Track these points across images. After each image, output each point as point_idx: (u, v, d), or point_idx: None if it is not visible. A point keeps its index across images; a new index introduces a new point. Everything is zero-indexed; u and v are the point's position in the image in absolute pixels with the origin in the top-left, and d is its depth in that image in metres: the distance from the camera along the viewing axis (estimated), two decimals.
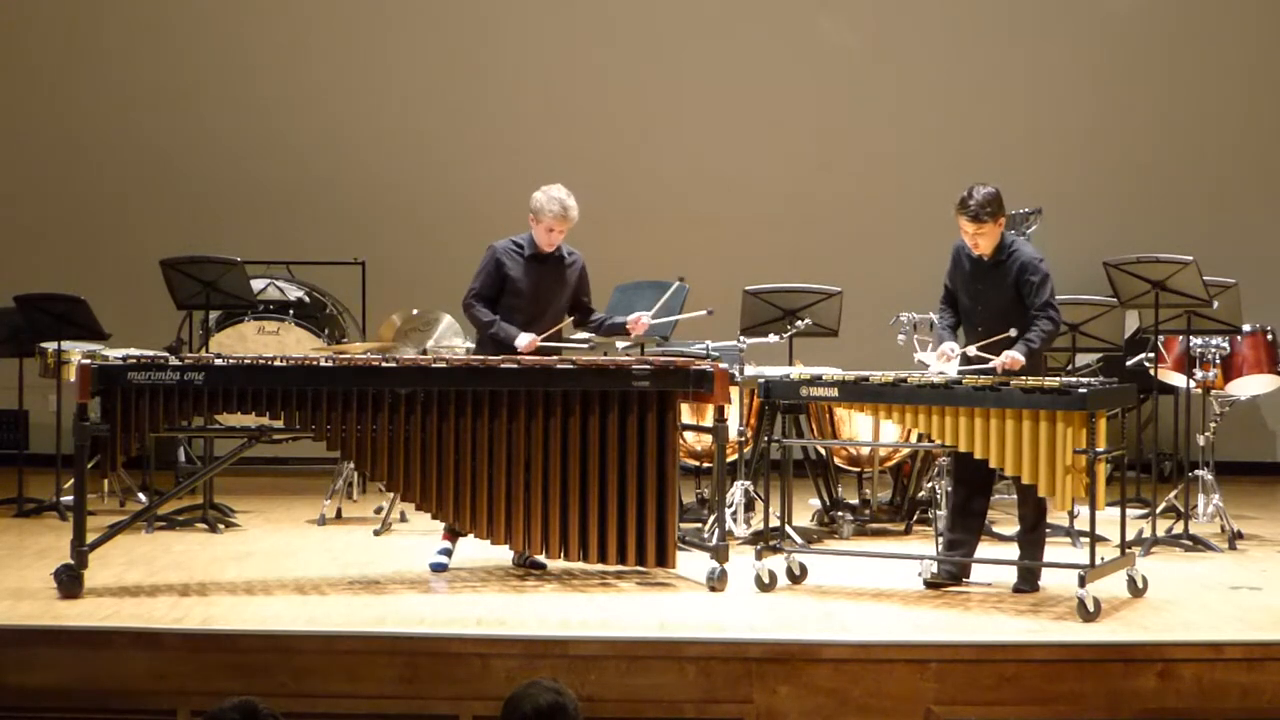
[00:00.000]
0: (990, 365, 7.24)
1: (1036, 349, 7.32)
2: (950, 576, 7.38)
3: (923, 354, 7.69)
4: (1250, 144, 11.99)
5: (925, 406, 7.00)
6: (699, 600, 7.13)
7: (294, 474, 11.05)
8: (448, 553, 7.72)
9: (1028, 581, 7.29)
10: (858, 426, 8.91)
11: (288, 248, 11.20)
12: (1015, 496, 7.61)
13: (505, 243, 7.89)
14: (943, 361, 7.39)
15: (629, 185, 11.89)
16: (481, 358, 7.52)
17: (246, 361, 7.33)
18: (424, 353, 9.27)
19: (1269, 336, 9.27)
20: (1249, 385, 9.37)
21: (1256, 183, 12.01)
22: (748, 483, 8.71)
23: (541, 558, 7.58)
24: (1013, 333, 7.27)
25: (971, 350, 7.35)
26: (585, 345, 8.16)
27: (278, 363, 7.25)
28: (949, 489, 7.64)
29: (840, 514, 9.01)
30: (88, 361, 7.16)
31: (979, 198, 7.28)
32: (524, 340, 7.71)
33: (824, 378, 7.35)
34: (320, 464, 10.33)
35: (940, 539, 7.72)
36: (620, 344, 8.74)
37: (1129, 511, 8.11)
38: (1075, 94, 11.94)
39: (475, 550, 7.79)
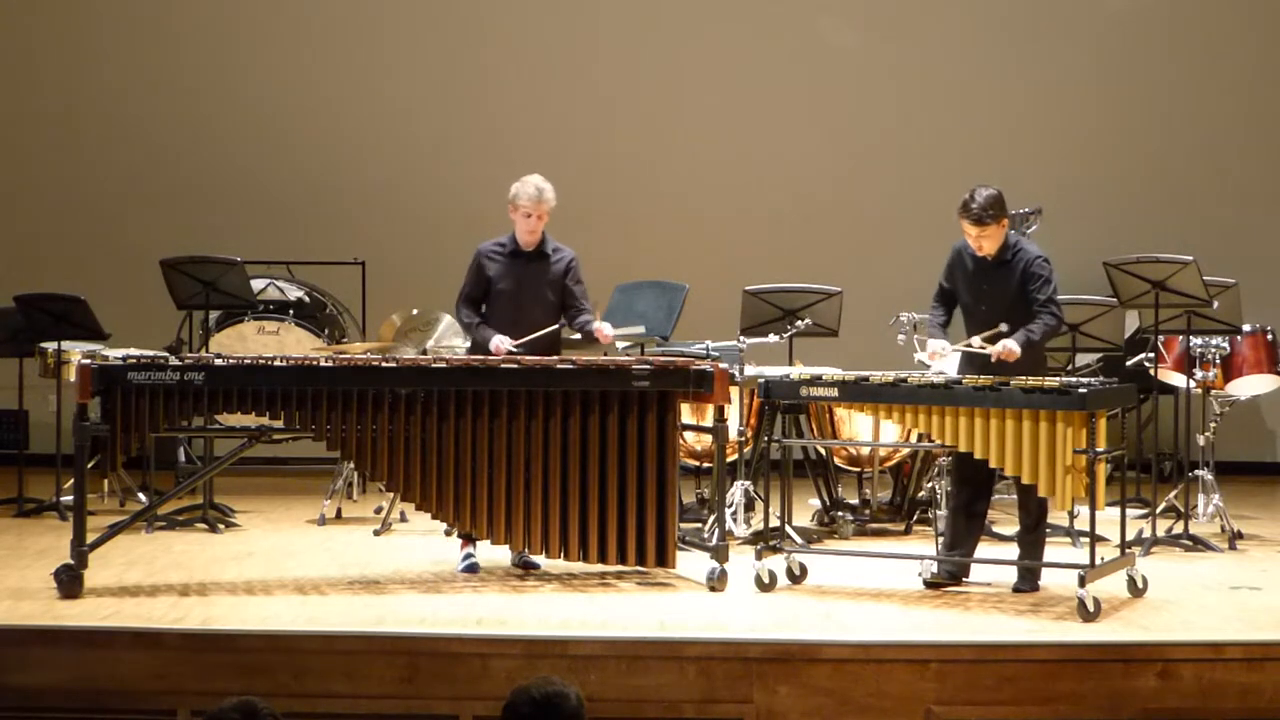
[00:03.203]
0: (986, 352, 7.24)
1: (1036, 340, 7.32)
2: (950, 576, 7.38)
3: (923, 354, 7.70)
4: (1250, 143, 11.99)
5: (925, 406, 7.00)
6: (699, 600, 7.13)
7: (294, 474, 11.05)
8: (471, 556, 7.72)
9: (1028, 581, 7.30)
10: (858, 426, 8.91)
11: (288, 248, 11.20)
12: (1015, 496, 7.61)
13: (488, 244, 7.87)
14: (933, 360, 7.40)
15: (629, 185, 11.90)
16: (481, 358, 7.52)
17: (246, 361, 7.33)
18: (424, 353, 9.27)
19: (1269, 336, 9.27)
20: (1249, 385, 9.36)
21: (1257, 182, 12.00)
22: (748, 483, 8.70)
23: (538, 558, 7.57)
24: (1003, 327, 7.27)
25: (976, 341, 7.32)
26: (555, 330, 7.86)
27: (278, 363, 7.25)
28: (950, 489, 7.65)
29: (840, 514, 9.01)
30: (88, 361, 7.16)
31: (981, 200, 7.28)
32: (496, 344, 7.66)
33: (824, 378, 7.35)
34: (320, 464, 10.32)
35: (940, 539, 7.72)
36: (620, 344, 8.74)
37: (1129, 511, 8.12)
38: (1075, 94, 11.94)
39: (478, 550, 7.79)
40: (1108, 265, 8.55)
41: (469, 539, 7.70)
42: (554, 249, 7.86)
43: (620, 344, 8.72)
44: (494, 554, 7.78)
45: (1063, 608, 6.86)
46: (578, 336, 8.14)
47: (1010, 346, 7.24)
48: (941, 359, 7.43)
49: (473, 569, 7.66)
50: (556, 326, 7.84)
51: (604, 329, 7.87)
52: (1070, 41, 11.98)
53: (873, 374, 7.24)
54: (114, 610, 6.74)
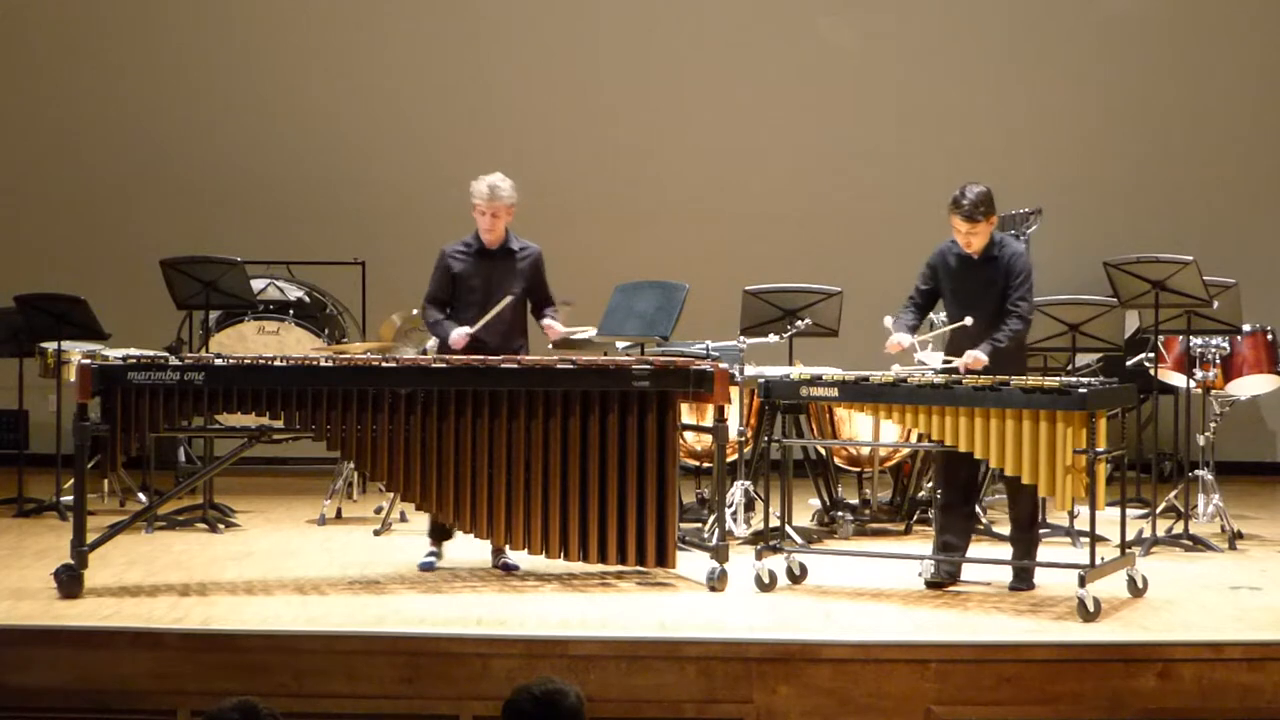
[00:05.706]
0: (953, 365, 7.28)
1: (1003, 348, 7.33)
2: (950, 576, 7.38)
3: (922, 354, 7.70)
4: (1250, 144, 11.99)
5: (925, 406, 7.00)
6: (699, 600, 7.13)
7: (294, 474, 11.05)
8: (435, 555, 7.78)
9: (1023, 580, 7.30)
10: (858, 426, 8.90)
11: (288, 248, 11.20)
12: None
13: (453, 244, 7.94)
14: (894, 351, 7.43)
15: (630, 185, 11.90)
16: (481, 358, 7.52)
17: (246, 361, 7.33)
18: (424, 353, 9.27)
19: (1269, 336, 9.27)
20: (1249, 385, 9.37)
21: (1257, 182, 12.00)
22: (748, 483, 8.70)
23: (518, 556, 7.59)
24: (968, 321, 7.30)
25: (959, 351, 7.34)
26: (511, 301, 7.87)
27: (278, 363, 7.26)
28: (937, 489, 7.64)
29: (840, 514, 9.01)
30: (88, 361, 7.16)
31: (972, 197, 7.33)
32: (455, 335, 7.73)
33: (824, 378, 7.35)
34: (320, 464, 10.33)
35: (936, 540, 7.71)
36: (620, 344, 8.74)
37: (1129, 511, 8.11)
38: (1075, 94, 11.94)
39: (475, 550, 7.79)
40: (1108, 265, 8.55)
41: (438, 538, 7.76)
42: (520, 246, 7.92)
43: (620, 344, 8.72)
44: (485, 556, 7.79)
45: (1063, 608, 6.86)
46: (584, 335, 8.18)
47: (977, 356, 7.26)
48: (918, 352, 7.46)
49: (429, 567, 7.71)
50: (510, 299, 7.83)
51: (553, 326, 7.96)
52: (1070, 42, 11.98)
53: (873, 374, 7.24)
54: (114, 610, 6.74)
